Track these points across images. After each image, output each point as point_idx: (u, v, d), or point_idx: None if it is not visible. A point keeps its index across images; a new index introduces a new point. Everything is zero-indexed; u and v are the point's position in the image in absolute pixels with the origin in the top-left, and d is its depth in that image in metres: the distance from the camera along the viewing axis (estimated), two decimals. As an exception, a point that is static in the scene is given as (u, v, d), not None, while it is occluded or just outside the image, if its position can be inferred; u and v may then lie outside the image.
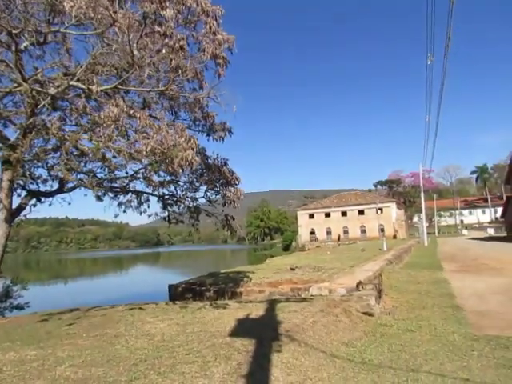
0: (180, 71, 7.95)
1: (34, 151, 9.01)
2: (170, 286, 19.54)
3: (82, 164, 12.49)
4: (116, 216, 15.08)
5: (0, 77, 11.26)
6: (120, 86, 8.04)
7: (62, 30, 7.96)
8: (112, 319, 9.25)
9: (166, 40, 7.49)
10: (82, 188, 13.20)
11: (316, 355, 6.45)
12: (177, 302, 12.83)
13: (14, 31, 8.11)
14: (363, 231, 74.64)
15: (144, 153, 7.28)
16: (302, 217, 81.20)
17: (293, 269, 20.23)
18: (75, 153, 9.07)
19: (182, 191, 14.70)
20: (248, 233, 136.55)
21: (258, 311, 9.71)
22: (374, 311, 9.79)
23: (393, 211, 73.78)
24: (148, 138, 7.42)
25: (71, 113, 9.43)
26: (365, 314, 9.67)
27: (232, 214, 15.88)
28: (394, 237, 68.62)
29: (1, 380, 5.16)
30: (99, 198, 11.00)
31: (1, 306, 11.90)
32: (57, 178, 13.63)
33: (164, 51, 7.66)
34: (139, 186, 13.99)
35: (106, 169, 12.97)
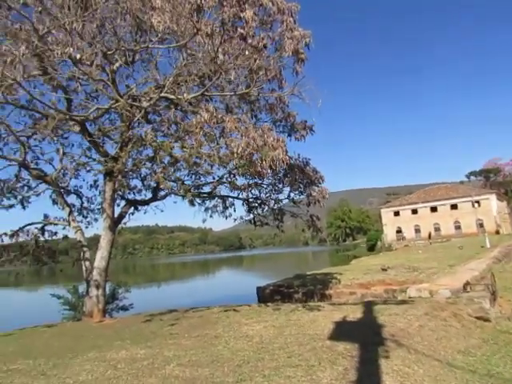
0: (262, 71, 7.92)
1: (131, 162, 9.67)
2: (258, 288, 19.74)
3: (171, 172, 13.21)
4: (204, 221, 15.59)
5: (98, 96, 12.46)
6: (206, 93, 8.26)
7: (150, 45, 8.42)
8: (209, 320, 9.49)
9: (250, 40, 7.50)
10: (173, 196, 14.01)
11: (430, 363, 5.83)
12: (268, 304, 12.81)
13: (108, 52, 8.80)
14: (457, 227, 68.22)
15: (235, 155, 7.35)
16: (387, 215, 77.04)
17: (384, 269, 19.11)
18: (168, 161, 9.53)
19: (266, 194, 14.74)
20: (329, 234, 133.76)
21: (354, 314, 9.22)
22: (489, 316, 8.68)
23: (493, 203, 66.25)
24: (237, 141, 7.49)
25: (161, 124, 9.97)
26: (479, 318, 8.62)
27: (313, 214, 15.55)
28: (497, 232, 61.50)
29: (117, 377, 5.47)
30: (192, 203, 11.46)
31: (108, 307, 13.01)
32: (150, 187, 14.61)
33: (247, 52, 7.68)
34: (224, 190, 14.36)
35: (193, 176, 13.58)
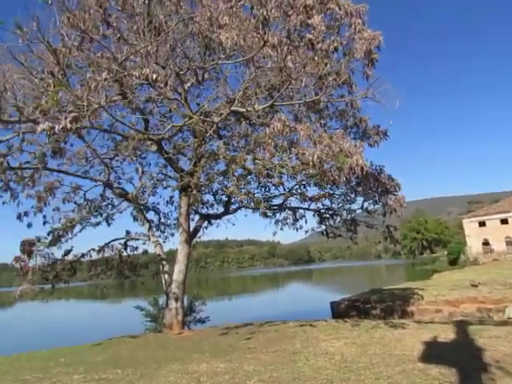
0: (332, 77, 7.69)
1: (204, 177, 9.93)
2: (333, 303, 19.02)
3: (242, 185, 13.36)
4: (274, 234, 15.44)
5: (171, 116, 13.10)
6: (275, 103, 8.23)
7: (219, 62, 8.64)
8: (286, 335, 9.25)
9: (319, 45, 7.35)
10: (243, 209, 14.14)
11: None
12: (346, 319, 12.20)
13: (180, 72, 9.20)
14: (559, 238, 60.23)
15: (310, 164, 7.17)
16: (470, 225, 70.46)
17: (475, 285, 17.34)
18: (240, 174, 9.63)
19: (338, 204, 14.25)
20: (403, 246, 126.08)
21: (445, 334, 8.37)
22: None
23: None
24: (311, 149, 7.30)
25: (232, 138, 10.15)
26: None
27: (390, 224, 14.69)
28: None
29: (200, 389, 5.45)
30: (265, 215, 11.43)
31: (186, 319, 13.35)
32: (221, 201, 14.93)
33: (316, 58, 7.53)
34: (294, 202, 14.15)
35: (263, 189, 13.59)
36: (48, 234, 13.42)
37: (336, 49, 7.46)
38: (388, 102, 8.01)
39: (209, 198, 14.82)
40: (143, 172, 14.74)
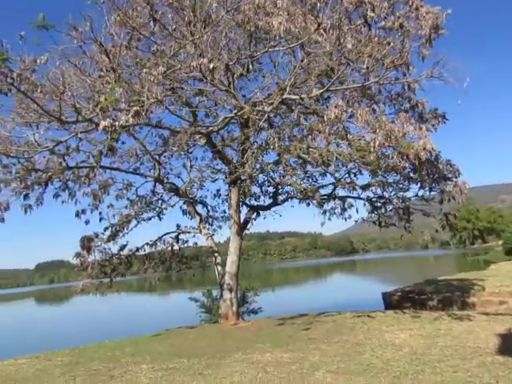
0: (393, 56, 7.29)
1: (256, 168, 9.87)
2: (385, 294, 18.46)
3: (290, 177, 13.20)
4: (322, 224, 15.04)
5: (216, 110, 13.15)
6: (331, 88, 7.97)
7: (270, 50, 8.49)
8: (345, 326, 9.05)
9: (381, 23, 6.99)
10: (289, 200, 14.00)
11: None
12: (405, 311, 11.79)
13: (229, 63, 9.15)
14: None
15: (371, 149, 6.88)
16: (527, 211, 65.97)
17: (541, 274, 16.11)
18: (294, 163, 9.48)
19: (391, 192, 13.71)
20: (452, 236, 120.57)
21: (520, 325, 7.82)
22: None
23: None
24: (369, 135, 7.01)
25: (282, 127, 9.99)
26: None
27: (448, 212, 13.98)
28: None
29: (269, 380, 5.42)
30: (321, 204, 11.18)
31: (240, 310, 13.49)
32: (267, 193, 14.87)
33: (376, 39, 7.17)
34: (342, 191, 13.79)
35: (309, 179, 13.33)
36: (104, 230, 14.01)
37: (401, 26, 7.05)
38: (457, 80, 7.47)
39: (255, 189, 14.85)
40: (191, 166, 15.00)
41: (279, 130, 9.91)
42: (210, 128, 11.55)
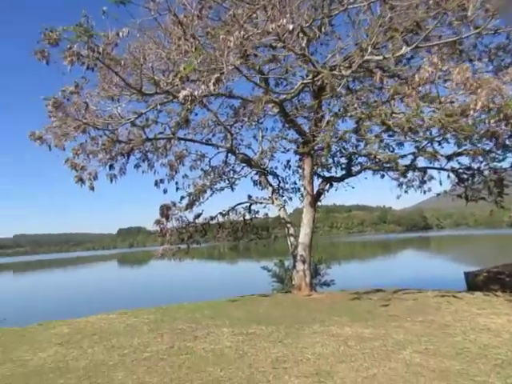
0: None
1: (335, 136, 9.41)
2: (467, 274, 17.15)
3: (361, 147, 12.46)
4: (398, 197, 14.23)
5: (286, 78, 12.70)
6: (421, 45, 7.16)
7: (348, 7, 7.82)
8: (428, 305, 8.54)
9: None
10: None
11: None
12: (498, 293, 10.83)
13: (304, 25, 8.62)
14: None
15: (471, 112, 6.10)
16: None
17: None
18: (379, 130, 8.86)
19: (482, 162, 12.37)
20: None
21: None
22: None
23: None
24: (462, 97, 6.22)
25: (361, 92, 9.34)
26: None
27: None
28: None
29: (352, 354, 5.26)
30: (404, 175, 10.46)
31: (312, 281, 13.44)
32: (339, 164, 14.29)
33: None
34: (422, 162, 12.74)
35: (385, 149, 12.46)
36: (181, 199, 14.62)
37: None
38: None
39: (328, 160, 14.33)
40: (263, 137, 14.90)
41: (358, 95, 9.26)
42: (284, 96, 11.22)
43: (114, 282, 37.98)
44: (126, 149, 12.08)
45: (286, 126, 13.63)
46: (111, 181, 12.57)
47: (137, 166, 13.63)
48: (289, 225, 13.05)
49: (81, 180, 11.16)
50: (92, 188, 11.72)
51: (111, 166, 12.38)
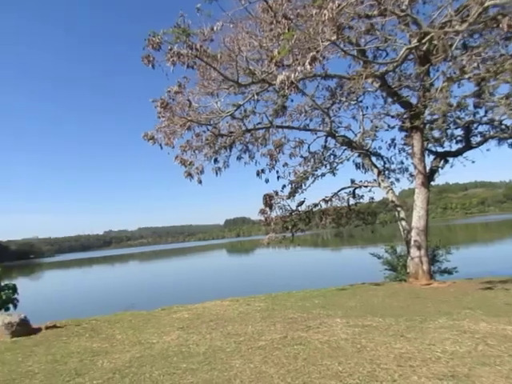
0: None
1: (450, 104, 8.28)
2: None
3: (481, 114, 10.80)
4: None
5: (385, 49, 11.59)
6: None
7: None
8: None
9: None
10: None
11: None
12: None
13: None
14: None
15: None
16: None
17: None
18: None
19: None
20: None
21: None
22: None
23: None
24: None
25: (479, 49, 7.97)
26: None
27: None
28: None
29: (497, 356, 4.50)
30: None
31: (431, 269, 12.27)
32: (453, 136, 12.62)
33: None
34: None
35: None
36: (282, 188, 14.61)
37: None
38: None
39: (437, 134, 12.81)
40: (364, 115, 14.00)
41: (478, 52, 7.89)
42: (385, 68, 10.30)
43: (224, 270, 40.34)
44: (227, 142, 12.47)
45: (389, 100, 12.56)
46: (216, 174, 13.13)
47: (239, 158, 14.01)
48: (399, 208, 12.06)
49: (190, 175, 11.85)
50: (200, 182, 12.36)
51: (216, 160, 12.92)
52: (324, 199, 14.82)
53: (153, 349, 5.95)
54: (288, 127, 13.58)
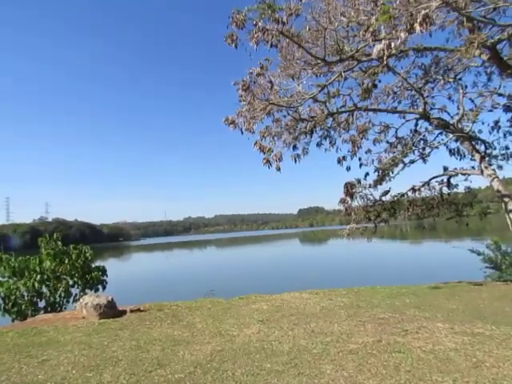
0: None
1: None
2: None
3: None
4: None
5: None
6: None
7: None
8: None
9: None
10: None
11: None
12: None
13: None
14: None
15: None
16: None
17: None
18: None
19: None
20: None
21: None
22: None
23: None
24: None
25: None
26: None
27: None
28: None
29: None
30: None
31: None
32: None
33: None
34: None
35: None
36: (365, 176, 13.61)
37: None
38: None
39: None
40: (465, 94, 12.35)
41: None
42: (497, 37, 8.79)
43: (298, 259, 39.93)
44: (308, 127, 11.85)
45: (495, 77, 10.91)
46: (295, 161, 12.57)
47: (318, 145, 13.29)
48: (507, 199, 10.44)
49: (268, 162, 11.48)
50: (279, 169, 11.95)
51: (294, 147, 12.40)
52: (413, 188, 13.53)
53: (234, 342, 5.71)
54: (375, 109, 12.53)
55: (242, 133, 9.36)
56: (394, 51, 5.41)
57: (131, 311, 8.43)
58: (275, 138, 11.72)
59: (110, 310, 8.13)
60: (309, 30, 7.13)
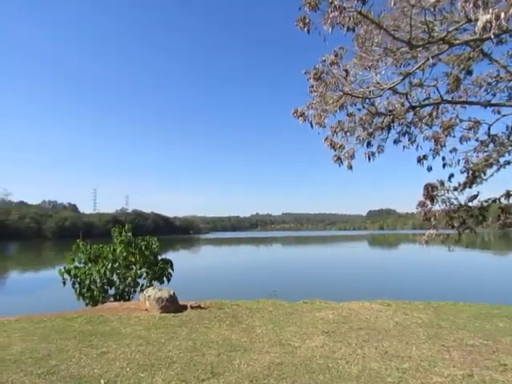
0: None
1: None
2: None
3: None
4: None
5: None
6: None
7: None
8: None
9: None
10: None
11: None
12: None
13: None
14: None
15: None
16: None
17: None
18: None
19: None
20: None
21: None
22: None
23: None
24: None
25: None
26: None
27: None
28: None
29: None
30: None
31: None
32: None
33: None
34: None
35: None
36: (449, 178, 12.18)
37: None
38: None
39: None
40: None
41: None
42: None
43: (366, 263, 37.93)
44: (385, 122, 10.84)
45: None
46: (369, 159, 11.58)
47: (396, 142, 12.13)
48: None
49: (339, 159, 10.70)
50: (350, 167, 11.09)
51: (369, 143, 11.46)
52: (507, 193, 11.77)
53: (294, 355, 5.16)
54: (464, 102, 11.06)
55: (312, 126, 8.72)
56: (504, 23, 4.40)
57: (192, 307, 8.30)
58: (348, 134, 10.89)
59: (172, 305, 8.06)
60: (394, 4, 6.22)
